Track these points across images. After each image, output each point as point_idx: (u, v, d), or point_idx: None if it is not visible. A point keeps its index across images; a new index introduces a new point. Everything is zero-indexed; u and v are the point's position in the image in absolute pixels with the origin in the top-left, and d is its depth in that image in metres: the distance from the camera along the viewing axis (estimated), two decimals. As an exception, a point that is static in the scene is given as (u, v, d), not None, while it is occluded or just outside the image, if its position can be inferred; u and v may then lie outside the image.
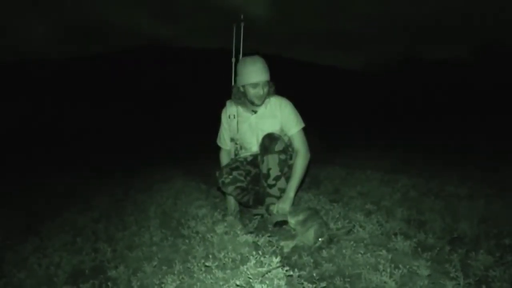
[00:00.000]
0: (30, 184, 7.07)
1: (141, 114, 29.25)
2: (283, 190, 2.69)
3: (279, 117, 2.87)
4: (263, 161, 2.68)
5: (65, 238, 3.19)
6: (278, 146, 2.63)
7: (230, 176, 2.82)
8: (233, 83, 2.99)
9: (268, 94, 2.85)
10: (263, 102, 2.85)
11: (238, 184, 2.84)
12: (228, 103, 3.02)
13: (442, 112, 17.19)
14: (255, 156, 2.96)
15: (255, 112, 2.90)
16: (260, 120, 2.89)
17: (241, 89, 2.82)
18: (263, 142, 2.69)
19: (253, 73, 2.71)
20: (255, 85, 2.73)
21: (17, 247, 3.19)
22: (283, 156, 2.66)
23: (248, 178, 2.91)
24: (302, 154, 2.79)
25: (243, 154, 3.03)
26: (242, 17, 3.17)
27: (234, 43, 3.21)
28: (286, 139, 2.94)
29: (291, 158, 2.77)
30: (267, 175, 2.67)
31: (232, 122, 2.97)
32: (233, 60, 3.14)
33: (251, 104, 2.87)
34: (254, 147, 2.95)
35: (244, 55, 2.99)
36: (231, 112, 2.98)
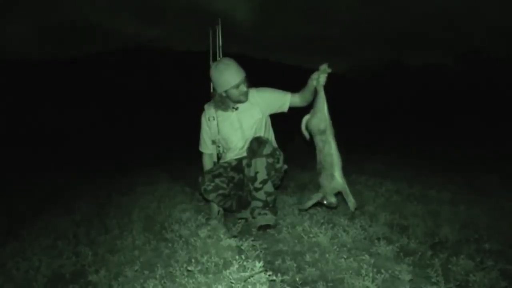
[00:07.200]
0: (11, 186, 6.93)
1: (125, 116, 28.93)
2: (269, 194, 2.68)
3: (260, 103, 2.90)
4: (250, 164, 2.67)
5: (45, 242, 3.12)
6: (267, 150, 2.63)
7: (212, 184, 2.79)
8: (212, 90, 2.97)
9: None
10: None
11: (220, 192, 2.82)
12: (206, 106, 3.02)
13: (424, 116, 17.39)
14: (239, 160, 2.95)
15: (236, 109, 2.91)
16: (241, 114, 2.90)
17: (224, 94, 2.81)
18: (251, 146, 2.69)
19: (232, 76, 2.72)
20: (237, 86, 2.74)
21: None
22: (270, 160, 2.65)
23: (231, 184, 2.89)
24: None
25: (228, 156, 3.01)
26: (219, 21, 3.14)
27: (212, 48, 3.18)
28: (271, 137, 2.96)
29: (278, 162, 2.75)
30: (254, 179, 2.66)
31: (212, 124, 2.97)
32: (212, 64, 3.13)
33: (237, 103, 2.87)
34: (239, 142, 2.94)
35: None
36: (210, 114, 2.98)
